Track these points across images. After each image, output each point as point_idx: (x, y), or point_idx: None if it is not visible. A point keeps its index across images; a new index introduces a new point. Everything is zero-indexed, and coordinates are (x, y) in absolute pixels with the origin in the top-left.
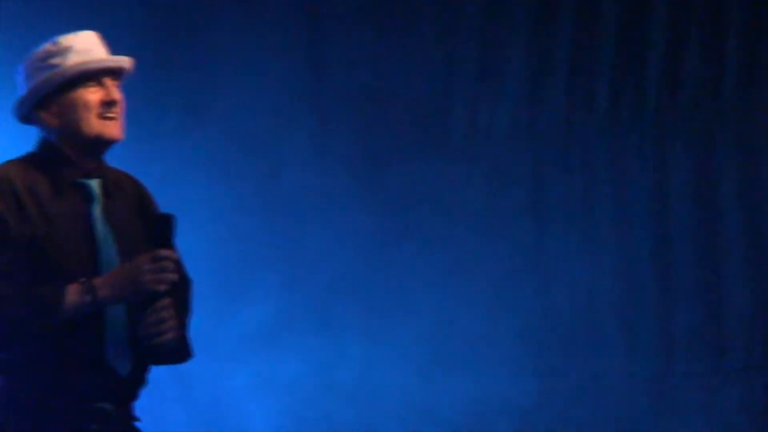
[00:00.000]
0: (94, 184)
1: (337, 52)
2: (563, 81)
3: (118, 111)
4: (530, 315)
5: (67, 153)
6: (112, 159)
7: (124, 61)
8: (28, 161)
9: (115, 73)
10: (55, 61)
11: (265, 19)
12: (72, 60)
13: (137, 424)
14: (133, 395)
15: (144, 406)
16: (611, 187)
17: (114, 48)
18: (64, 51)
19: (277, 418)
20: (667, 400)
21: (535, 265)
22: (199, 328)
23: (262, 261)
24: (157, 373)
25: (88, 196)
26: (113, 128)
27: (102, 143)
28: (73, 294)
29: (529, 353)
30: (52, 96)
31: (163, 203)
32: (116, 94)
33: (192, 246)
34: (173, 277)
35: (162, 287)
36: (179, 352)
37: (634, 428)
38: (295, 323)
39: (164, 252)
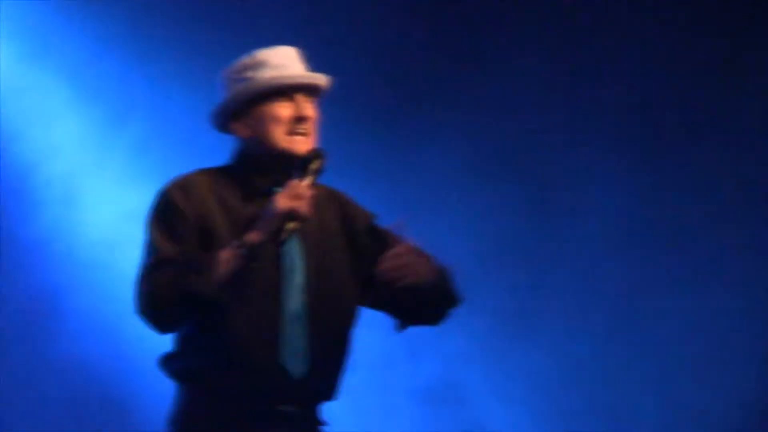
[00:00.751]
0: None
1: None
2: None
3: (308, 127)
4: None
5: (257, 162)
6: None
7: (317, 78)
8: (221, 169)
9: (309, 90)
10: (249, 74)
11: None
12: (265, 74)
13: (325, 429)
14: (317, 398)
15: (378, 401)
16: None
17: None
18: (259, 65)
19: (517, 414)
20: None
21: None
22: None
23: (511, 257)
24: (388, 369)
25: None
26: (300, 144)
27: (288, 157)
28: (226, 252)
29: None
30: (244, 108)
31: (431, 204)
32: (307, 110)
33: (449, 242)
34: (306, 202)
35: (300, 208)
36: (438, 291)
37: None
38: (538, 320)
39: (295, 181)
